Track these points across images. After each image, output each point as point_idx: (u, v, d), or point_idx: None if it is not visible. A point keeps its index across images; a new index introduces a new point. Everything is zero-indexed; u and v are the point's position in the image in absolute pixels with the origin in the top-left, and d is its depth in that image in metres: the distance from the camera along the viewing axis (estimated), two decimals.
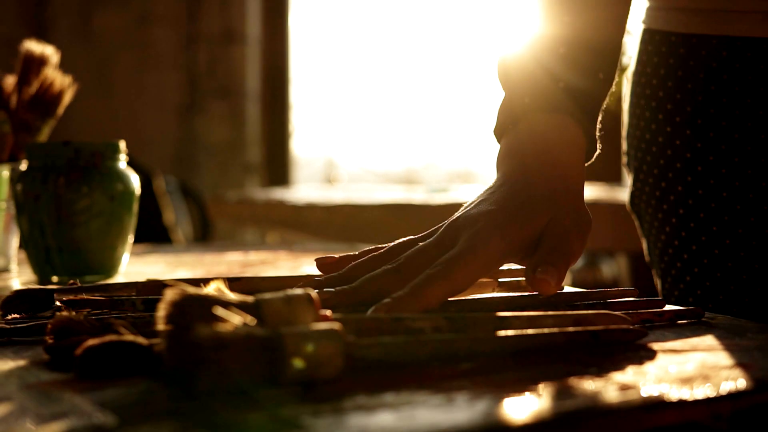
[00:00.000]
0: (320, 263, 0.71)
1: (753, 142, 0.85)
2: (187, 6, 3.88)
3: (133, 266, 1.08)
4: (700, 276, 0.88)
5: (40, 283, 0.93)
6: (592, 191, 2.58)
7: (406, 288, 0.61)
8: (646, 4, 0.93)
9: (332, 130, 4.31)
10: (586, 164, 0.75)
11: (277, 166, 4.10)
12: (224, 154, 3.89)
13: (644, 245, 0.96)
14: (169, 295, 0.50)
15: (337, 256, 0.72)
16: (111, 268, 0.97)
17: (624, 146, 0.97)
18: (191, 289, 0.50)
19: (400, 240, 0.70)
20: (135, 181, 0.98)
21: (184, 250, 1.38)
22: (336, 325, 0.49)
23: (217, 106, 3.88)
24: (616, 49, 0.79)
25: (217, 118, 3.88)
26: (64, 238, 0.93)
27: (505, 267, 0.73)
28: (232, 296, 0.51)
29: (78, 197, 0.93)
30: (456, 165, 4.28)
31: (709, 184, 0.86)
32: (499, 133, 0.76)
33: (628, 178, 0.97)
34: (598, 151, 0.76)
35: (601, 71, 0.76)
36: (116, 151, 0.97)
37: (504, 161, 0.73)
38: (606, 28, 0.79)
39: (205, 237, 3.09)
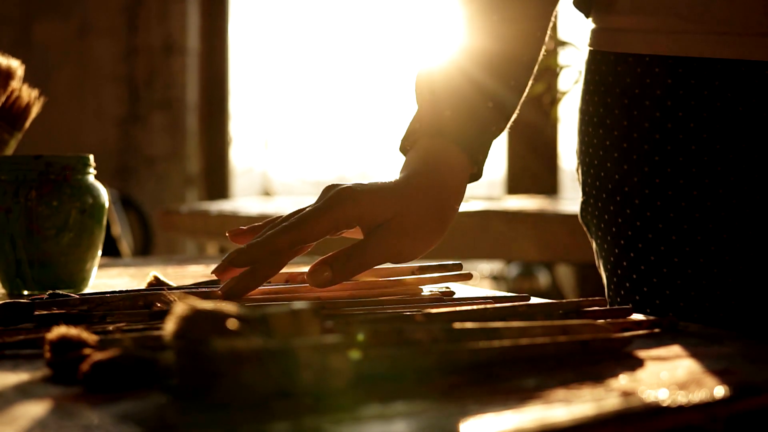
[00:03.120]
0: (232, 234, 0.82)
1: (684, 153, 0.89)
2: (127, 18, 3.85)
3: (98, 279, 1.08)
4: (638, 282, 0.92)
5: (10, 297, 0.93)
6: (533, 204, 2.62)
7: (261, 236, 0.74)
8: (591, 26, 0.98)
9: (267, 141, 4.31)
10: (471, 183, 0.85)
11: (216, 178, 4.08)
12: (164, 166, 3.86)
13: (594, 253, 1.00)
14: (179, 309, 0.51)
15: (245, 228, 0.82)
16: (81, 281, 0.96)
17: (576, 161, 1.01)
18: (200, 304, 0.51)
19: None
20: (104, 194, 0.98)
21: (143, 263, 1.38)
22: (344, 338, 0.51)
23: (157, 117, 3.85)
24: (514, 71, 0.87)
25: (157, 130, 3.85)
26: (35, 251, 0.93)
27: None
28: (240, 310, 0.52)
29: (49, 210, 0.93)
30: (388, 174, 4.31)
31: (644, 194, 0.91)
32: (403, 150, 0.86)
33: (579, 191, 1.01)
34: (483, 173, 0.86)
35: (491, 101, 0.85)
36: (86, 164, 0.97)
37: (399, 174, 0.83)
38: (517, 47, 0.88)
39: (147, 249, 3.07)
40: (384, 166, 4.27)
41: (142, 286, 0.98)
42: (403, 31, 4.11)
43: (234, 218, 2.19)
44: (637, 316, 0.71)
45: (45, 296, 0.75)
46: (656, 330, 0.69)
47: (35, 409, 0.47)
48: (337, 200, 0.76)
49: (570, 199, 3.23)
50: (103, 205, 0.97)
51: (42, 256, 0.93)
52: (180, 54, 3.87)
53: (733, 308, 0.89)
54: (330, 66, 4.19)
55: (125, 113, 3.86)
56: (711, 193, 0.89)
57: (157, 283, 0.88)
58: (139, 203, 3.19)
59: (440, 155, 0.82)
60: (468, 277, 0.86)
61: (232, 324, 0.50)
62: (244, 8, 4.17)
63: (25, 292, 0.94)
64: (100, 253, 0.99)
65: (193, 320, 0.50)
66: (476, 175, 0.85)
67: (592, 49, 0.98)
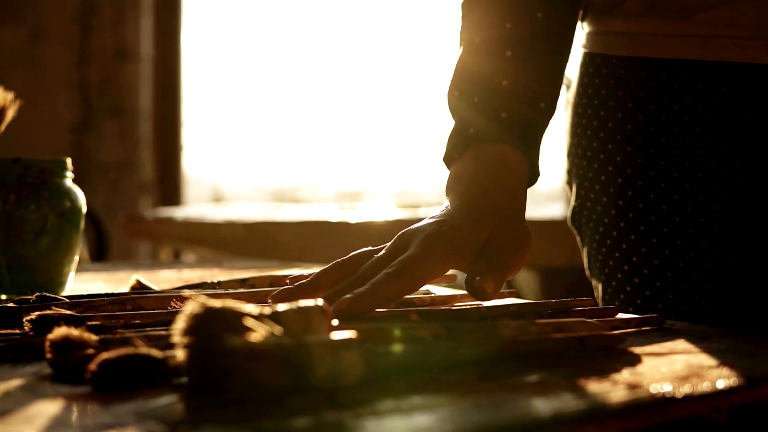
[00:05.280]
0: (293, 281, 0.76)
1: (690, 157, 0.90)
2: (80, 24, 3.81)
3: (73, 284, 1.07)
4: (639, 286, 0.92)
5: None
6: None
7: (366, 285, 0.66)
8: (586, 29, 0.98)
9: (218, 148, 4.29)
10: (529, 188, 0.82)
11: (169, 185, 4.05)
12: (117, 173, 3.83)
13: (584, 258, 1.00)
14: (190, 307, 0.51)
15: (307, 273, 0.76)
16: (59, 285, 0.96)
17: (566, 164, 1.01)
18: (211, 302, 0.51)
19: (358, 251, 0.75)
20: (81, 198, 0.98)
21: (112, 268, 1.37)
22: (355, 334, 0.51)
23: (110, 124, 3.82)
24: (558, 65, 0.86)
25: (109, 137, 3.82)
26: (13, 255, 0.92)
27: None
28: (251, 308, 0.52)
29: (28, 214, 0.92)
30: (339, 183, 4.30)
31: (649, 199, 0.91)
32: (448, 160, 0.83)
33: (569, 195, 1.01)
34: (540, 175, 0.83)
35: (542, 101, 0.83)
36: (64, 168, 0.96)
37: (453, 188, 0.79)
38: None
39: (102, 256, 3.04)
40: (336, 174, 4.27)
41: (120, 289, 0.98)
42: (359, 39, 4.12)
43: (200, 225, 2.19)
44: (624, 315, 0.73)
45: (32, 299, 0.74)
46: (644, 328, 0.70)
47: (50, 408, 0.47)
48: (434, 243, 0.71)
49: (527, 205, 3.25)
50: (80, 209, 0.97)
51: (20, 259, 0.92)
52: (133, 61, 3.83)
53: (737, 312, 0.89)
54: (283, 74, 4.19)
55: (78, 120, 3.82)
56: (717, 198, 0.89)
57: (140, 287, 0.88)
58: (95, 210, 3.15)
59: (499, 160, 0.80)
60: (452, 278, 0.86)
61: (248, 321, 0.50)
62: (198, 15, 4.16)
63: (3, 297, 0.93)
64: (77, 257, 0.98)
65: (205, 318, 0.50)
66: (532, 180, 0.83)
67: (589, 51, 0.97)
